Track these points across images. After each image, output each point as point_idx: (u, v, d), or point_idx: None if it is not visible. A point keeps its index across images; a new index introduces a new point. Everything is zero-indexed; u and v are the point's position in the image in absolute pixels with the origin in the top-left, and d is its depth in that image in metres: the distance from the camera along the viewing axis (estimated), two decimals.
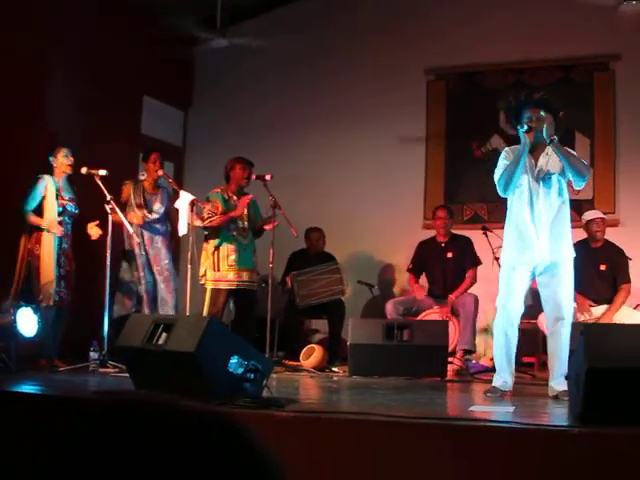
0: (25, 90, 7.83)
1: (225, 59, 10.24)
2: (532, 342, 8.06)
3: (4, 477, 2.36)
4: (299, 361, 7.87)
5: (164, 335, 4.83)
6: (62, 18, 8.28)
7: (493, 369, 7.81)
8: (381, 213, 9.78)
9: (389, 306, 8.44)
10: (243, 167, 7.99)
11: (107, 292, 7.28)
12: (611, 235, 8.09)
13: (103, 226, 7.31)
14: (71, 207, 7.32)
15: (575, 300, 6.13)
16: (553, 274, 5.64)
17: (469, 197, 9.71)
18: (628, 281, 7.79)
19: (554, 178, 5.66)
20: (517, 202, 5.69)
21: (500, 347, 5.75)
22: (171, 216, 7.95)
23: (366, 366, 7.12)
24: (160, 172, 7.91)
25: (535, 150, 5.69)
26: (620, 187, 9.18)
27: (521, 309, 5.73)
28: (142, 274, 7.82)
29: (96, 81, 8.71)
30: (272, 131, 10.29)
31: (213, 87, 10.72)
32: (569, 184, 5.76)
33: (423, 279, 8.85)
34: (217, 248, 7.82)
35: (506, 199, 5.83)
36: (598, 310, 7.71)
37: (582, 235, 7.92)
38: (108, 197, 7.20)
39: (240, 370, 4.59)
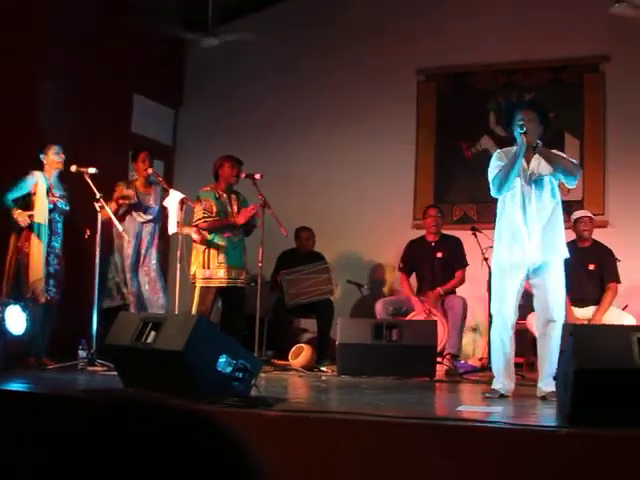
0: (16, 89, 7.80)
1: (216, 58, 10.23)
2: (521, 343, 8.05)
3: None
4: (288, 360, 7.86)
5: (153, 334, 4.82)
6: (54, 18, 8.27)
7: (482, 369, 7.87)
8: (371, 213, 9.78)
9: (378, 306, 8.44)
10: (232, 165, 7.99)
11: (96, 290, 7.27)
12: (600, 236, 8.11)
13: (92, 224, 7.30)
14: (62, 204, 7.30)
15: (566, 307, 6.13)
16: (544, 275, 5.65)
17: (459, 197, 9.72)
18: (616, 280, 7.80)
19: (546, 180, 5.67)
20: (509, 204, 5.69)
21: (497, 353, 5.74)
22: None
23: (355, 366, 7.12)
24: (149, 170, 7.90)
25: (527, 153, 5.69)
26: (609, 188, 9.20)
27: (515, 314, 5.73)
28: (129, 275, 7.80)
29: (87, 79, 8.68)
30: (263, 130, 10.28)
31: (204, 86, 10.72)
32: (561, 184, 5.77)
33: (412, 278, 8.85)
34: (208, 247, 7.82)
35: (496, 200, 5.83)
36: (587, 311, 7.73)
37: (572, 236, 7.95)
38: (98, 195, 7.19)
39: (229, 369, 4.59)
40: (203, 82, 10.73)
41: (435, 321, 7.72)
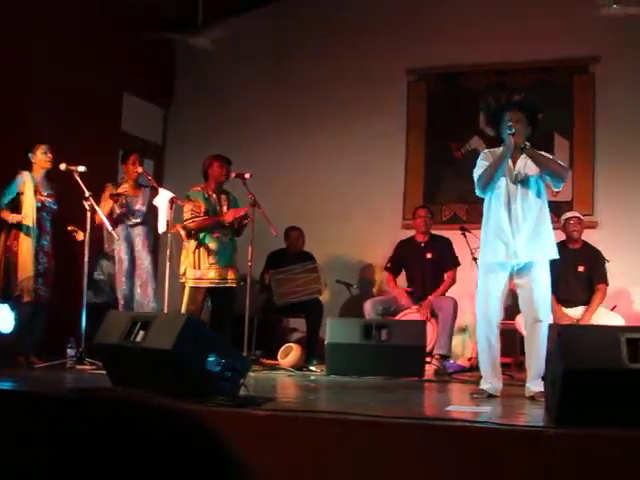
0: (5, 88, 7.78)
1: (206, 57, 10.21)
2: (509, 343, 8.07)
3: None
4: (277, 360, 7.86)
5: (142, 332, 4.82)
6: (44, 17, 8.25)
7: (470, 369, 7.88)
8: (360, 213, 9.79)
9: (367, 306, 8.44)
10: (221, 165, 7.99)
11: (85, 289, 7.26)
12: (589, 237, 8.13)
13: (81, 223, 7.28)
14: (50, 203, 7.29)
15: (552, 308, 6.14)
16: (529, 276, 5.65)
17: (448, 197, 9.74)
18: (604, 282, 7.82)
19: (532, 180, 5.68)
20: (495, 204, 5.70)
21: (484, 353, 5.75)
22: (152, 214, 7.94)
23: (344, 365, 7.12)
24: (139, 169, 7.87)
25: (514, 154, 5.71)
26: (598, 189, 9.22)
27: (500, 314, 5.74)
28: (123, 279, 7.77)
29: (77, 78, 8.66)
30: (252, 130, 10.28)
31: (194, 85, 10.71)
32: (547, 186, 5.78)
33: (401, 278, 8.85)
34: (198, 246, 7.82)
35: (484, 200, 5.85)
36: (575, 312, 7.74)
37: (561, 237, 7.97)
38: (87, 194, 7.18)
39: (217, 368, 4.58)
40: (193, 81, 10.72)
41: (424, 321, 7.72)
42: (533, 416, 4.73)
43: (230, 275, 7.92)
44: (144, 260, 7.85)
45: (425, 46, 9.79)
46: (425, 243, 8.71)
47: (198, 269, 7.80)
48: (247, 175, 7.87)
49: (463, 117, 9.79)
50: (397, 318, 8.21)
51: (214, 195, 7.97)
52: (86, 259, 7.23)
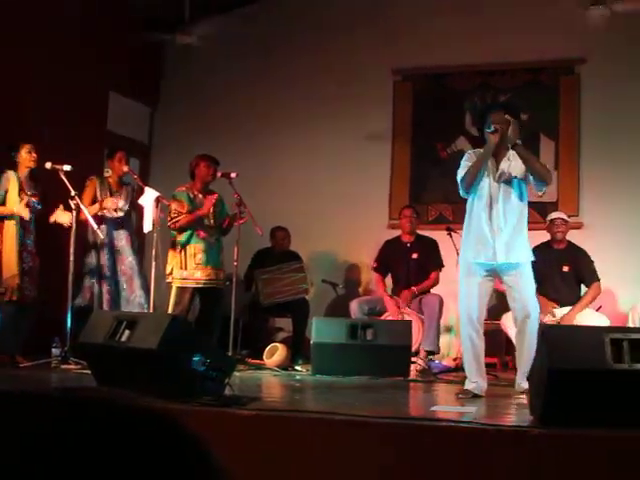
0: None
1: (193, 56, 10.20)
2: (494, 343, 8.09)
3: None
4: (262, 359, 7.86)
5: (127, 332, 4.80)
6: (29, 17, 8.22)
7: (456, 369, 7.90)
8: (347, 213, 9.79)
9: (353, 305, 8.44)
10: (208, 165, 7.98)
11: (70, 288, 7.23)
12: (574, 237, 8.15)
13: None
14: (34, 203, 7.25)
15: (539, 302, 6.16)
16: (516, 275, 5.69)
17: (434, 198, 9.75)
18: (597, 279, 7.83)
19: (515, 182, 5.70)
20: (477, 204, 5.73)
21: (468, 353, 5.76)
22: (136, 213, 7.92)
23: (329, 365, 7.12)
24: (125, 168, 7.84)
25: (498, 154, 5.73)
26: (584, 190, 9.25)
27: (483, 314, 5.76)
28: (108, 274, 7.74)
29: (63, 77, 8.63)
30: (239, 129, 10.27)
31: (180, 84, 10.69)
32: (530, 188, 5.80)
33: (388, 279, 8.86)
34: (184, 246, 7.82)
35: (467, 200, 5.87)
36: (561, 311, 7.75)
37: (546, 237, 7.99)
38: (72, 192, 7.15)
39: (202, 368, 4.58)
40: (180, 80, 10.69)
41: (410, 321, 7.72)
42: (518, 416, 4.74)
43: (217, 275, 7.92)
44: (128, 256, 7.82)
45: (411, 46, 9.79)
46: (411, 243, 8.71)
47: (185, 269, 7.80)
48: (233, 175, 7.87)
49: (449, 117, 9.81)
50: (383, 318, 8.22)
51: (200, 195, 7.97)
52: (72, 258, 7.20)
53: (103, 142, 9.26)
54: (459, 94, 9.81)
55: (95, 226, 7.37)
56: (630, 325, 7.59)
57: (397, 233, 8.94)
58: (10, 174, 7.16)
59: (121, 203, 7.86)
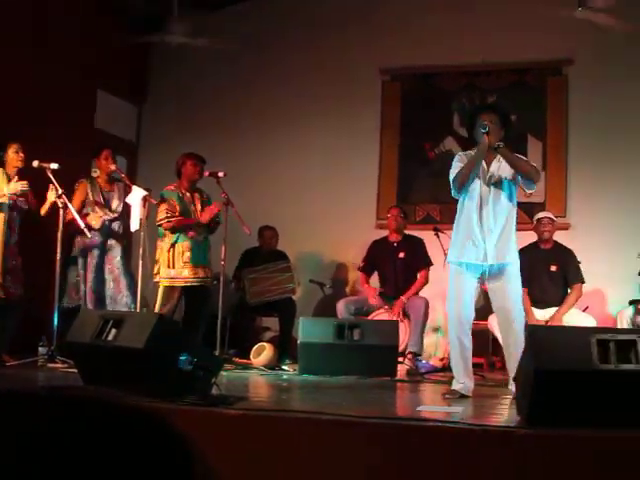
0: None
1: (181, 54, 10.18)
2: (481, 343, 8.10)
3: None
4: (249, 359, 7.86)
5: (113, 331, 4.79)
6: (19, 14, 8.20)
7: (443, 369, 7.90)
8: (334, 212, 9.80)
9: (340, 305, 8.44)
10: (194, 163, 7.98)
11: (56, 287, 7.20)
12: (561, 238, 8.17)
13: (54, 220, 7.22)
14: (21, 203, 7.21)
15: (525, 309, 6.16)
16: (502, 277, 5.67)
17: (421, 198, 9.77)
18: (581, 281, 7.86)
19: (505, 183, 5.70)
20: (467, 205, 5.72)
21: (455, 353, 5.75)
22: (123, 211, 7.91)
23: (316, 365, 7.12)
24: (113, 167, 7.82)
25: (487, 155, 5.72)
26: (571, 190, 9.27)
27: (472, 314, 5.75)
28: (93, 275, 7.69)
29: (50, 75, 8.61)
30: (226, 128, 10.27)
31: (168, 83, 10.68)
32: (520, 188, 5.81)
33: (374, 278, 8.87)
34: (173, 245, 7.81)
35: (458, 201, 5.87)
36: (547, 312, 7.78)
37: (533, 237, 8.01)
38: (59, 191, 7.13)
39: (189, 367, 4.57)
40: (167, 79, 10.69)
41: (397, 321, 7.74)
42: (505, 416, 4.74)
43: (205, 274, 7.91)
44: (116, 255, 7.80)
45: (399, 46, 9.81)
46: (398, 243, 8.72)
47: (172, 268, 7.78)
48: (220, 174, 7.86)
49: (437, 117, 9.82)
50: (370, 318, 8.23)
51: (187, 194, 7.97)
52: (58, 256, 7.17)
53: (91, 140, 9.20)
54: (447, 94, 9.84)
55: (82, 225, 7.32)
56: None
57: (385, 233, 8.95)
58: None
59: (115, 203, 7.84)
